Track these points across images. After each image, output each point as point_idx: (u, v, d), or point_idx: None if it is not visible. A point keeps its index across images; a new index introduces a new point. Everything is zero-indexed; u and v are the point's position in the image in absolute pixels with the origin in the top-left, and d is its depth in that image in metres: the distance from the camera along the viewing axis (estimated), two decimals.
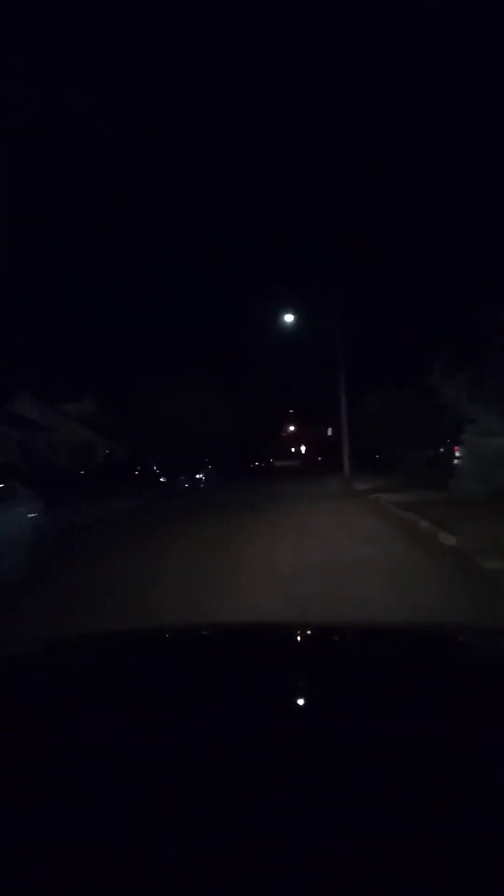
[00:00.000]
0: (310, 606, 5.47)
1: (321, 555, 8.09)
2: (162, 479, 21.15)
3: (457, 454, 19.95)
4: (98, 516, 15.45)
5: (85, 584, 7.05)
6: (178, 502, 18.84)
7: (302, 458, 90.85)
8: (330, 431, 41.61)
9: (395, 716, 1.13)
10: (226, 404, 49.51)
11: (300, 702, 1.29)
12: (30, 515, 7.51)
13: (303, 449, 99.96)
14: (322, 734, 1.06)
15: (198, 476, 23.14)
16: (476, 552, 7.10)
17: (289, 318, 29.04)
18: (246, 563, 7.82)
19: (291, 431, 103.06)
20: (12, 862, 0.72)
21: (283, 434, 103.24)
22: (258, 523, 12.42)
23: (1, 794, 0.88)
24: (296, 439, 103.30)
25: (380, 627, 2.34)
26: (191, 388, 44.96)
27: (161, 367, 44.91)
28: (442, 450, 23.57)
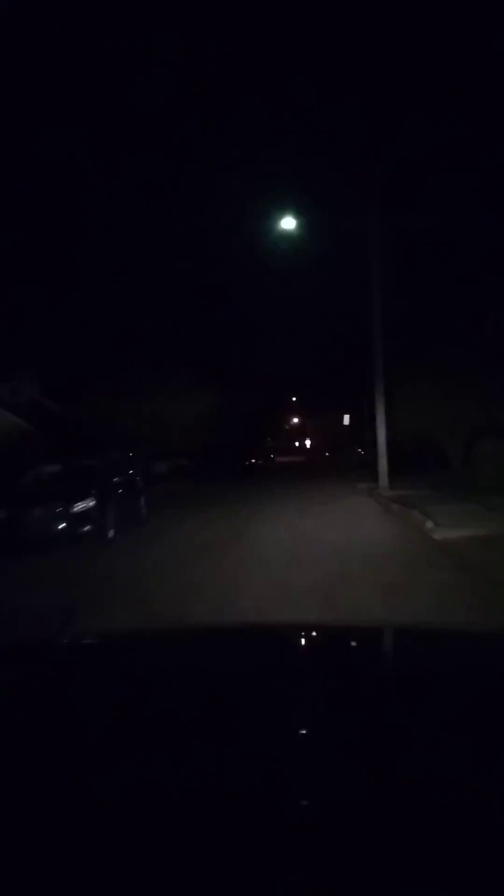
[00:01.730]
0: None
1: None
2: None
3: None
4: None
5: None
6: None
7: (307, 452, 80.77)
8: (347, 419, 29.86)
9: (394, 715, 1.13)
10: (218, 394, 39.51)
11: (300, 702, 1.22)
12: None
13: (308, 443, 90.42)
14: (321, 734, 1.06)
15: (78, 506, 9.80)
16: None
17: (286, 231, 17.32)
18: None
19: (295, 423, 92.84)
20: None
21: (287, 426, 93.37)
22: None
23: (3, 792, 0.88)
24: (300, 432, 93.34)
25: (380, 628, 2.33)
26: (175, 375, 34.80)
27: (143, 354, 34.50)
28: None
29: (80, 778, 0.89)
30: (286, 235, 17.62)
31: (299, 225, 17.35)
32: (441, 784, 0.84)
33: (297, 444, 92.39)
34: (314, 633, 1.84)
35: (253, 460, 53.62)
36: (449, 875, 0.67)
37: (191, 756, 0.95)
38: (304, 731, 1.08)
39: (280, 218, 17.33)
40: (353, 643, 1.79)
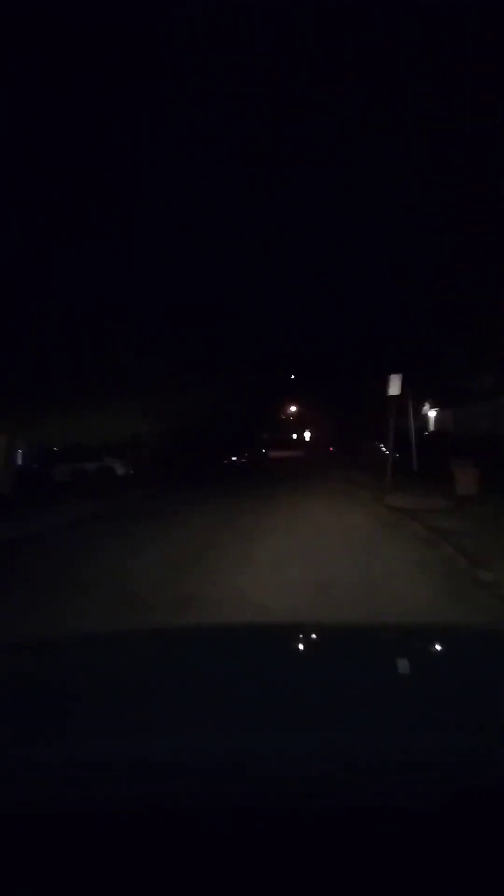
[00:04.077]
0: None
1: None
2: None
3: None
4: None
5: None
6: None
7: (307, 446, 68.38)
8: (397, 385, 16.54)
9: (394, 714, 1.13)
10: (187, 373, 33.18)
11: (299, 701, 1.23)
12: None
13: (307, 435, 77.98)
14: (321, 733, 1.06)
15: None
16: None
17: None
18: None
19: (293, 412, 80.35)
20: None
21: (284, 416, 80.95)
22: None
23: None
24: (299, 421, 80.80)
25: (380, 628, 2.30)
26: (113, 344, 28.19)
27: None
28: None
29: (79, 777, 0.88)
30: None
31: None
32: (440, 780, 0.85)
33: (294, 436, 79.71)
34: (314, 634, 1.86)
35: (234, 458, 40.60)
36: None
37: (191, 756, 0.94)
38: (302, 732, 1.06)
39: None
40: (353, 643, 1.79)
